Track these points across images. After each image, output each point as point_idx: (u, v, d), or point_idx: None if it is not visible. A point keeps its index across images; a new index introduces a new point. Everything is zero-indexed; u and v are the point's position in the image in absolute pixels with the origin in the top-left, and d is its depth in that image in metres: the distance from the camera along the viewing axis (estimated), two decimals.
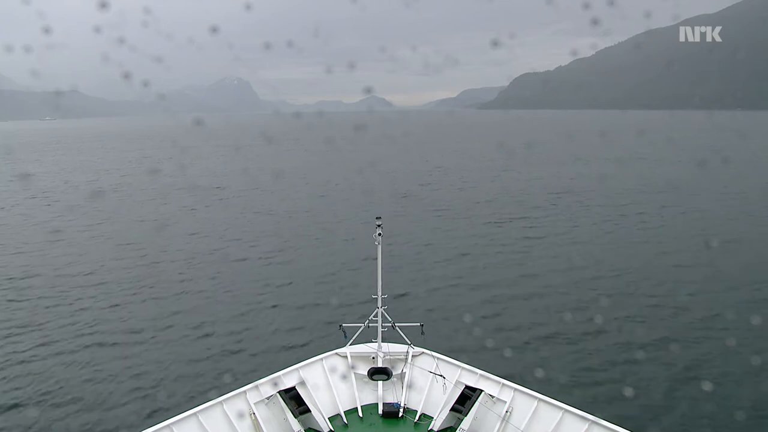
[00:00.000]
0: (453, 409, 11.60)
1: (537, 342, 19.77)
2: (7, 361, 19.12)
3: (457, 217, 41.64)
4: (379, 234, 13.16)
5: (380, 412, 11.83)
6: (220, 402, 11.34)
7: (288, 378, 12.35)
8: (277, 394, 11.82)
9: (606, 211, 42.86)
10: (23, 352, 19.80)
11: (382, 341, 13.29)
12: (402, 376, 12.76)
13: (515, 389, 11.69)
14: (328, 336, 17.49)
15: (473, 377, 12.28)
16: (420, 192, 53.11)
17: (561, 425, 10.71)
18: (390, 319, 13.20)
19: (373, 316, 13.26)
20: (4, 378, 17.94)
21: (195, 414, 10.93)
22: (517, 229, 37.74)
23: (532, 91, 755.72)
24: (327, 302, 23.27)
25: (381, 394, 12.22)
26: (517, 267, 28.90)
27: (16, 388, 17.21)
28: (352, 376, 12.70)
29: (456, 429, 11.23)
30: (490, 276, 27.45)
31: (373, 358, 13.22)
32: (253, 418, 11.32)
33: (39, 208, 49.46)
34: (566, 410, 10.83)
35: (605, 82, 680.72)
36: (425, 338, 13.62)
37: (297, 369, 12.70)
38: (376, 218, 13.34)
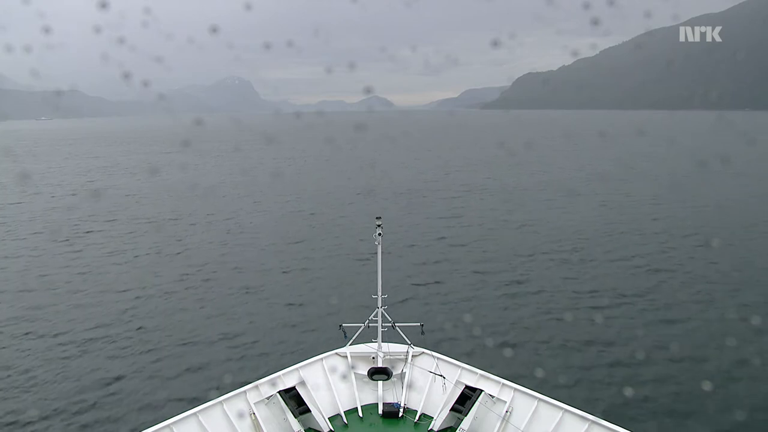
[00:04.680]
0: (453, 409, 11.59)
1: (537, 342, 19.76)
2: (3, 361, 19.16)
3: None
4: (379, 234, 13.16)
5: (380, 412, 11.84)
6: (220, 402, 11.35)
7: (288, 378, 12.35)
8: (277, 394, 11.83)
9: (605, 211, 42.87)
10: (21, 352, 19.84)
11: (382, 341, 13.29)
12: (402, 376, 12.76)
13: (515, 389, 11.69)
14: (328, 336, 17.48)
15: (473, 377, 12.27)
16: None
17: (561, 425, 10.70)
18: (390, 319, 13.19)
19: (373, 316, 13.25)
20: (4, 379, 17.96)
21: (195, 414, 10.94)
22: (517, 228, 37.75)
23: (535, 92, 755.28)
24: (327, 302, 23.28)
25: (381, 394, 12.22)
26: (518, 267, 28.90)
27: (13, 389, 17.24)
28: (352, 376, 12.70)
29: (456, 429, 11.23)
30: (490, 276, 27.43)
31: (373, 358, 13.22)
32: (253, 418, 11.32)
33: None
34: (566, 410, 10.82)
35: (609, 82, 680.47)
36: (425, 338, 13.61)
37: (297, 369, 12.71)
38: (376, 218, 13.33)
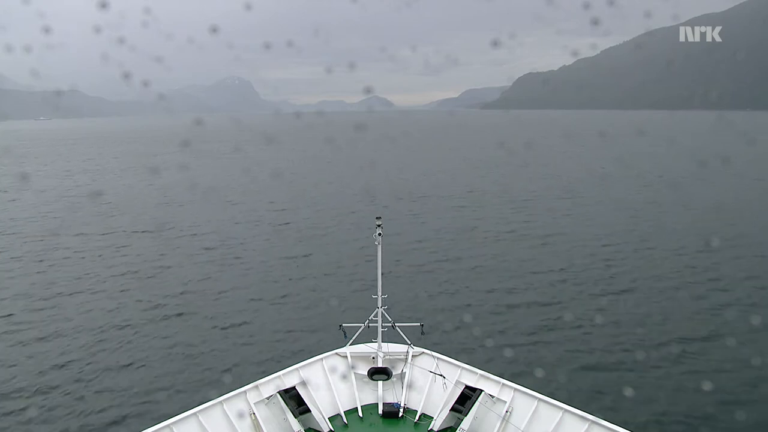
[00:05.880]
0: (453, 409, 11.59)
1: (537, 342, 19.75)
2: (3, 363, 19.15)
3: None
4: (379, 234, 13.16)
5: (380, 412, 11.83)
6: (220, 402, 11.35)
7: (288, 378, 12.35)
8: (277, 394, 11.83)
9: (606, 211, 42.87)
10: (19, 353, 19.83)
11: (382, 341, 13.29)
12: (402, 376, 12.76)
13: (515, 389, 11.69)
14: (328, 336, 17.48)
15: (473, 377, 12.28)
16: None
17: (561, 425, 10.70)
18: (390, 319, 13.19)
19: (373, 316, 13.25)
20: (4, 380, 17.96)
21: (195, 414, 10.94)
22: (516, 229, 37.70)
23: (535, 92, 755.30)
24: (327, 302, 23.27)
25: (381, 394, 12.22)
26: (517, 267, 28.90)
27: (14, 390, 17.18)
28: (352, 376, 12.70)
29: (456, 429, 11.23)
30: (490, 276, 27.43)
31: (373, 358, 13.22)
32: (253, 418, 11.32)
33: None
34: (566, 410, 10.82)
35: (609, 82, 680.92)
36: (425, 338, 13.61)
37: (297, 369, 12.71)
38: (376, 218, 13.33)
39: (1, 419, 15.67)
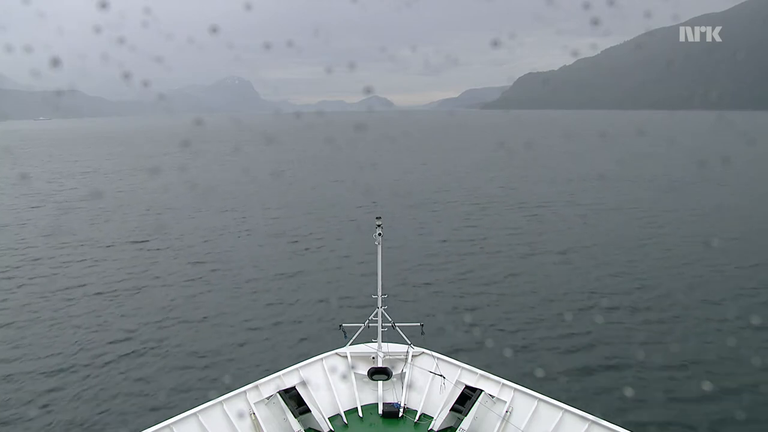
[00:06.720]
0: (453, 409, 11.60)
1: (537, 342, 19.74)
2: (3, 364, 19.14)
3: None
4: (379, 234, 13.17)
5: (380, 412, 11.84)
6: (220, 402, 11.36)
7: (288, 378, 12.36)
8: (277, 394, 11.84)
9: (606, 212, 42.85)
10: (19, 354, 19.82)
11: (382, 341, 13.30)
12: (402, 376, 12.77)
13: (515, 389, 11.70)
14: (328, 336, 17.47)
15: (473, 377, 12.28)
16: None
17: (561, 425, 10.71)
18: (390, 319, 13.20)
19: (373, 316, 13.27)
20: (4, 381, 17.95)
21: (195, 414, 10.94)
22: (533, 242, 36.13)
23: (535, 92, 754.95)
24: (327, 302, 23.27)
25: (381, 394, 12.23)
26: (517, 268, 28.89)
27: (15, 390, 17.20)
28: (352, 376, 12.70)
29: (456, 429, 11.23)
30: (490, 276, 27.42)
31: (373, 358, 13.23)
32: (253, 418, 11.33)
33: None
34: (566, 410, 10.83)
35: (609, 82, 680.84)
36: (425, 338, 13.61)
37: (297, 369, 12.72)
38: (376, 218, 13.34)
39: None
